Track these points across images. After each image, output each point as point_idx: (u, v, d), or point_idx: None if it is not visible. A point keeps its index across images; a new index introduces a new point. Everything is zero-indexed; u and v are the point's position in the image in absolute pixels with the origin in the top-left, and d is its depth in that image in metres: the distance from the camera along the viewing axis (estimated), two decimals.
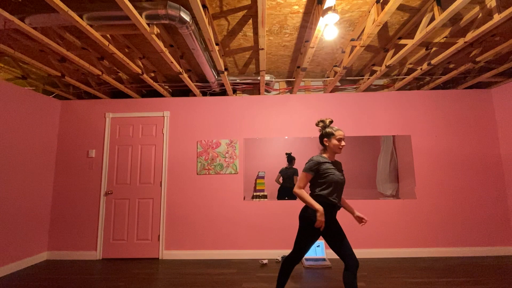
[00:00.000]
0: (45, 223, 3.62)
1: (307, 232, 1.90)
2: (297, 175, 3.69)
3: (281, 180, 3.70)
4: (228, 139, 3.80)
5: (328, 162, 1.95)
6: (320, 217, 1.80)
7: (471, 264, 3.14)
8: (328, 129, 2.00)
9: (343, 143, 1.97)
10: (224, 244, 3.59)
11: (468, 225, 3.52)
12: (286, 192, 3.67)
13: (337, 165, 2.04)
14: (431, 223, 3.54)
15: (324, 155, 2.01)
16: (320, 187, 1.93)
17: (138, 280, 2.86)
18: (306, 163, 1.98)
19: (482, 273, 2.88)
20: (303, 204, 3.61)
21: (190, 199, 3.69)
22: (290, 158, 3.73)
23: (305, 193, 1.89)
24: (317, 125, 2.09)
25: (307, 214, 1.92)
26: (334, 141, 1.96)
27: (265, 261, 3.32)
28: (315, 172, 1.93)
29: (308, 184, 2.13)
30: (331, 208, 1.92)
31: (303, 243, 1.92)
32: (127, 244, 3.62)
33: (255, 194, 3.68)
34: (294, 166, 3.71)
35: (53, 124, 3.81)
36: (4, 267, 3.04)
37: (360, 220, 2.01)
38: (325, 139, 2.00)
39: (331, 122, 2.04)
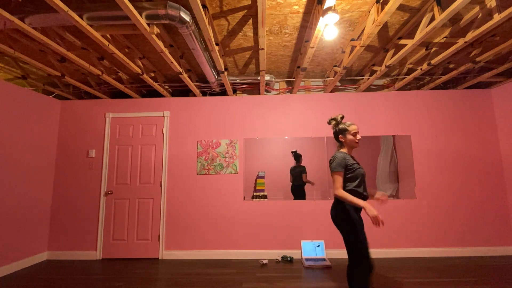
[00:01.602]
0: (45, 223, 3.62)
1: (352, 229, 1.82)
2: (305, 173, 3.67)
3: (291, 179, 3.69)
4: (228, 139, 3.80)
5: (350, 157, 1.95)
6: (371, 212, 1.69)
7: (471, 264, 3.14)
8: (341, 126, 2.00)
9: (358, 136, 1.97)
10: (224, 244, 3.59)
11: (468, 225, 3.52)
12: (296, 191, 3.66)
13: (356, 159, 2.05)
14: (431, 223, 3.53)
15: (343, 150, 1.99)
16: (350, 182, 1.90)
17: (138, 280, 2.86)
18: (332, 162, 1.92)
19: (482, 273, 2.88)
20: (303, 203, 3.61)
21: (190, 199, 3.69)
22: (297, 156, 3.71)
23: (347, 194, 1.81)
24: (329, 123, 2.07)
25: (340, 215, 1.87)
26: (350, 136, 1.96)
27: (265, 261, 3.32)
28: (345, 168, 1.89)
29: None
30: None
31: (356, 239, 1.80)
32: (127, 244, 3.62)
33: (255, 194, 3.68)
34: (302, 164, 3.70)
35: (53, 124, 3.81)
36: (4, 267, 3.04)
37: (381, 201, 2.03)
38: (340, 135, 2.00)
39: (342, 118, 2.03)
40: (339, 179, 1.86)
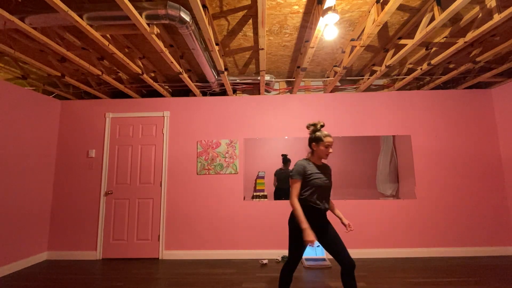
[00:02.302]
0: (45, 223, 3.62)
1: (296, 237, 1.89)
2: None
3: (275, 182, 3.70)
4: (228, 139, 3.80)
5: (314, 166, 1.96)
6: (307, 237, 1.74)
7: (471, 264, 3.14)
8: (318, 133, 1.98)
9: (330, 150, 1.97)
10: (224, 244, 3.59)
11: (468, 225, 3.52)
12: (282, 193, 3.67)
13: (324, 168, 2.02)
14: (431, 223, 3.53)
15: (311, 158, 2.01)
16: (305, 190, 1.92)
17: (138, 280, 2.86)
18: (293, 169, 1.96)
19: (482, 273, 2.88)
20: None
21: (190, 199, 3.69)
22: (286, 160, 3.72)
23: (298, 207, 1.85)
24: (307, 128, 2.05)
25: (294, 220, 1.91)
26: (322, 147, 1.95)
27: (265, 261, 3.32)
28: (303, 176, 1.92)
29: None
30: (317, 211, 1.91)
31: (294, 247, 1.91)
32: (127, 244, 3.62)
33: (255, 194, 3.68)
34: (290, 168, 3.71)
35: (53, 124, 3.81)
36: (4, 267, 3.04)
37: (347, 226, 2.02)
38: (314, 143, 1.99)
39: (322, 126, 2.01)
40: (295, 187, 1.90)
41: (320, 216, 1.93)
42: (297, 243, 1.89)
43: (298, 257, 1.92)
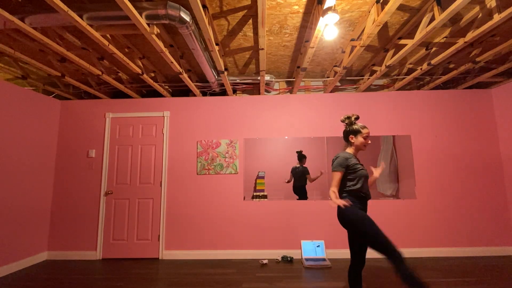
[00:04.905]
0: (45, 223, 3.62)
1: (363, 226, 1.83)
2: (308, 174, 3.67)
3: (290, 179, 3.69)
4: (228, 139, 3.80)
5: (354, 158, 1.96)
6: (337, 202, 1.74)
7: (471, 264, 3.14)
8: (354, 126, 2.00)
9: (368, 140, 1.99)
10: (224, 244, 3.59)
11: (468, 225, 3.52)
12: (298, 191, 3.66)
13: (359, 160, 2.05)
14: (431, 223, 3.53)
15: (349, 151, 2.00)
16: (352, 182, 1.91)
17: (138, 280, 2.86)
18: (333, 161, 1.94)
19: (482, 273, 2.88)
20: (303, 203, 3.62)
21: (190, 199, 3.69)
22: (301, 156, 3.71)
23: (331, 193, 1.84)
24: (343, 121, 2.06)
25: (347, 215, 1.85)
26: (361, 139, 1.97)
27: (265, 261, 3.32)
28: (346, 168, 1.91)
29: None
30: (364, 200, 1.93)
31: (372, 235, 1.81)
32: (127, 244, 3.62)
33: (255, 194, 3.68)
34: (305, 165, 3.70)
35: (53, 124, 3.81)
36: (4, 267, 3.04)
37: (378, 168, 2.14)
38: (351, 135, 2.00)
39: (356, 118, 2.03)
40: (336, 178, 1.89)
41: (366, 205, 1.95)
42: (366, 227, 1.81)
43: (384, 237, 1.79)
